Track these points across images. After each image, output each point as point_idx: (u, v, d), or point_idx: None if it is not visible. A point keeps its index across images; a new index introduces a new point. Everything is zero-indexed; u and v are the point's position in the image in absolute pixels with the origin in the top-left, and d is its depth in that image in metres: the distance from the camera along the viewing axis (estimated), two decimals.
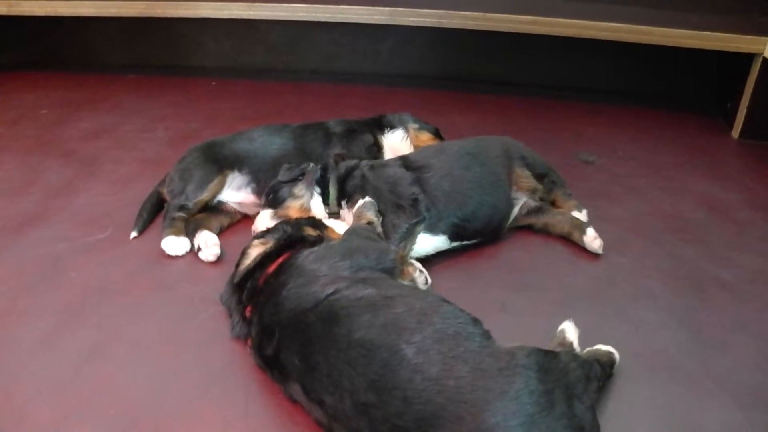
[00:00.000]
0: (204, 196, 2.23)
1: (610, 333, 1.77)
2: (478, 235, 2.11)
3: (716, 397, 1.61)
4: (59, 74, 3.75)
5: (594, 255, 2.11)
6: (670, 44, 2.95)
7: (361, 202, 1.98)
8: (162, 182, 2.34)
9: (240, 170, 2.30)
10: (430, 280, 1.92)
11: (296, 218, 1.97)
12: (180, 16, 3.32)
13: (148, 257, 2.12)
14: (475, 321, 1.44)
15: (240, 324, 1.71)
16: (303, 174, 2.15)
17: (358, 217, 1.95)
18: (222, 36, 3.80)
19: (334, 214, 2.10)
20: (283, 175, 2.15)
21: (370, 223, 1.90)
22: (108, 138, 2.97)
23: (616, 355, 1.64)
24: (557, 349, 1.55)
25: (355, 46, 3.71)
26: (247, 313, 1.67)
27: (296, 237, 1.78)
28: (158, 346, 1.76)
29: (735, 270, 2.08)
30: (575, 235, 2.13)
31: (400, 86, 3.57)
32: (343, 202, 2.08)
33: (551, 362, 1.33)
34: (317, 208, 2.12)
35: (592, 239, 2.09)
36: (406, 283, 1.84)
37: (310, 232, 1.83)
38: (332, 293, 1.48)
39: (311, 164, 2.18)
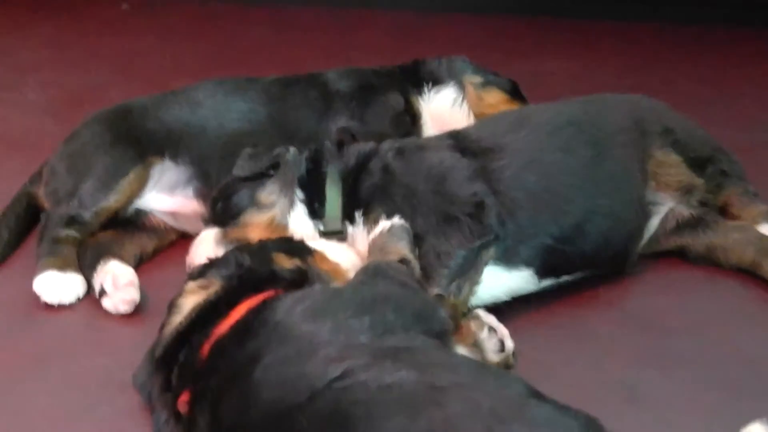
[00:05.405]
0: (111, 201, 1.81)
1: None
2: (586, 266, 1.66)
3: None
4: None
5: None
6: None
7: (387, 224, 1.60)
8: (36, 177, 1.91)
9: (174, 157, 1.87)
10: (510, 345, 1.49)
11: (260, 241, 1.59)
12: None
13: (12, 308, 1.66)
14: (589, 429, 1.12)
15: (171, 426, 1.34)
16: (276, 165, 1.72)
17: (381, 249, 1.58)
18: None
19: (335, 234, 1.66)
20: (241, 168, 1.72)
21: (403, 260, 1.53)
22: None
23: None
24: None
25: None
26: (182, 406, 1.30)
27: (261, 274, 1.44)
28: None
29: None
30: (765, 268, 1.63)
31: (450, 11, 2.96)
32: (357, 214, 1.65)
33: None
34: (300, 225, 1.70)
35: None
36: (464, 351, 1.46)
37: (284, 263, 1.48)
38: (340, 377, 1.18)
39: (291, 149, 1.74)
